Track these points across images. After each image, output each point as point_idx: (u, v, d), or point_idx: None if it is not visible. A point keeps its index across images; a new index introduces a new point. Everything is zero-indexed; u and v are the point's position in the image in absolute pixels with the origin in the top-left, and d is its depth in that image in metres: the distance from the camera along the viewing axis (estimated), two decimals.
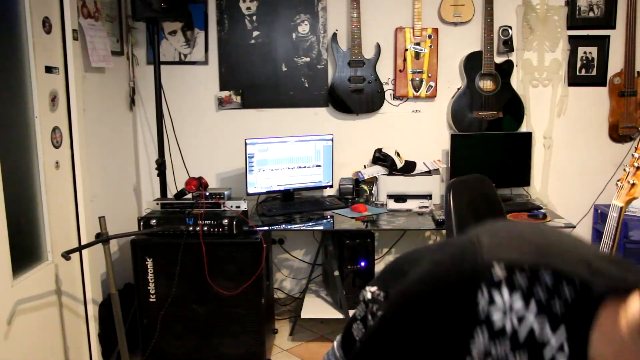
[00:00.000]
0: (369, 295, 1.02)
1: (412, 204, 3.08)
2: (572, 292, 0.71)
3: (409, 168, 3.24)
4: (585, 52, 3.31)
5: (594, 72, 3.32)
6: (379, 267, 3.48)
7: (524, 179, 3.28)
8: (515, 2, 3.27)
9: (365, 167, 3.34)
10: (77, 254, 2.61)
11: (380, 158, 3.26)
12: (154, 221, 2.64)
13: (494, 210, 2.57)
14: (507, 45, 3.26)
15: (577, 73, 3.33)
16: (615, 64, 3.30)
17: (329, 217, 2.96)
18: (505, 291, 0.71)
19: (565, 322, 0.70)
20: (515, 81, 3.31)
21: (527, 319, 0.71)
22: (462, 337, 0.74)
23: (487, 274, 0.72)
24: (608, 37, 3.29)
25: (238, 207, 2.74)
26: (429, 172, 3.23)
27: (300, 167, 3.13)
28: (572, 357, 0.70)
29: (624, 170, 1.58)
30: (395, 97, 3.34)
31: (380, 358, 0.83)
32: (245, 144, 2.97)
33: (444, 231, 3.45)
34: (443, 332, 0.75)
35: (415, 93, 3.30)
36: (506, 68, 3.27)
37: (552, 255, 0.79)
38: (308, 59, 3.31)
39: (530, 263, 0.74)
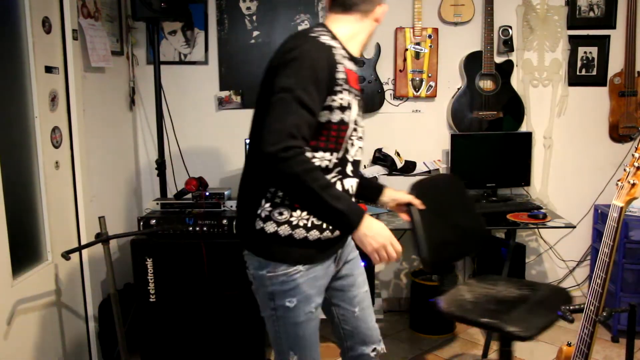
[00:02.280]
0: None
1: None
2: (322, 27, 1.63)
3: (409, 168, 3.24)
4: (585, 52, 3.31)
5: (594, 72, 3.32)
6: (378, 267, 3.48)
7: (524, 179, 3.28)
8: (515, 2, 3.27)
9: (365, 167, 3.34)
10: (77, 254, 2.61)
11: (380, 158, 3.26)
12: (154, 221, 2.64)
13: (465, 209, 2.54)
14: (507, 45, 3.26)
15: (577, 73, 3.33)
16: (616, 64, 3.30)
17: None
18: None
19: None
20: (515, 81, 3.31)
21: None
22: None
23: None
24: (608, 37, 3.29)
25: None
26: (429, 172, 3.23)
27: None
28: None
29: (624, 170, 1.57)
30: (395, 97, 3.34)
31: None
32: (245, 144, 2.97)
33: None
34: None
35: (415, 93, 3.30)
36: (506, 68, 3.27)
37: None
38: None
39: None
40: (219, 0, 3.26)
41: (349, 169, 1.63)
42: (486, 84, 3.26)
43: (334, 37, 1.58)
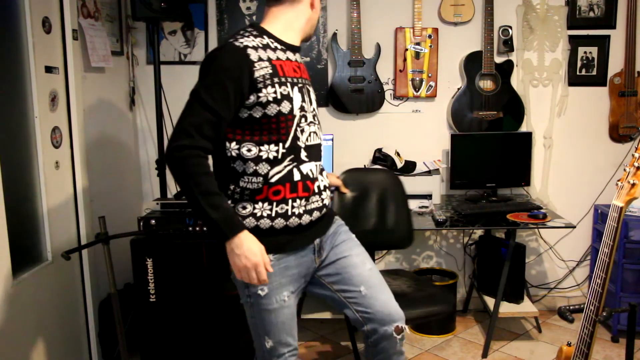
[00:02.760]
0: None
1: (412, 204, 3.06)
2: (250, 28, 1.67)
3: (409, 168, 3.24)
4: (585, 52, 3.31)
5: (594, 72, 3.32)
6: (379, 267, 3.48)
7: (524, 179, 3.28)
8: (515, 2, 3.27)
9: (365, 167, 3.34)
10: (77, 254, 2.61)
11: (380, 158, 3.26)
12: (154, 221, 2.64)
13: (396, 206, 2.67)
14: (507, 45, 3.26)
15: (577, 73, 3.33)
16: (616, 63, 3.30)
17: None
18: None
19: None
20: (515, 81, 3.31)
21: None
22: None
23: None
24: (608, 37, 3.29)
25: None
26: (429, 172, 3.23)
27: None
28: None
29: (624, 170, 1.58)
30: (395, 97, 3.34)
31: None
32: None
33: (444, 231, 3.45)
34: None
35: (415, 93, 3.30)
36: (506, 68, 3.27)
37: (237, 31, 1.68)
38: (308, 59, 3.31)
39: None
40: (219, 0, 3.26)
41: (303, 154, 1.69)
42: (486, 84, 3.26)
43: (261, 34, 1.66)
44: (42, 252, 2.40)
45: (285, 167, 1.66)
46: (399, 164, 3.24)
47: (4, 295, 2.07)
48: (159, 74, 3.00)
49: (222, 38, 3.28)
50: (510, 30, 3.26)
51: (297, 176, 1.67)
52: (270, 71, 1.60)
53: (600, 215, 3.34)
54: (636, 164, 1.54)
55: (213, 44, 3.30)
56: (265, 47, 1.64)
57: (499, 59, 3.28)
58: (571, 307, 2.06)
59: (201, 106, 1.56)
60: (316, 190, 1.73)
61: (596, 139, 3.39)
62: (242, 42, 1.60)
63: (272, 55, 1.63)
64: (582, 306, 1.72)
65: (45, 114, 2.39)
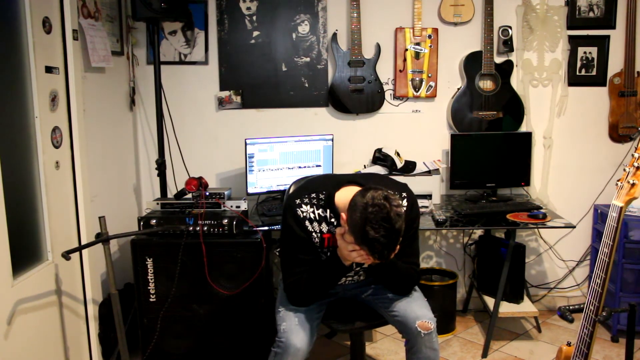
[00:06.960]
0: None
1: None
2: (324, 195, 2.08)
3: (409, 168, 3.24)
4: (585, 52, 3.31)
5: (594, 72, 3.32)
6: None
7: (524, 179, 3.28)
8: (515, 2, 3.27)
9: (365, 167, 3.34)
10: (77, 254, 2.61)
11: (380, 158, 3.26)
12: (154, 221, 2.64)
13: None
14: (507, 45, 3.26)
15: (577, 73, 3.33)
16: (615, 64, 3.30)
17: None
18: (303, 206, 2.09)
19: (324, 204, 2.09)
20: (515, 81, 3.31)
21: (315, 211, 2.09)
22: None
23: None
24: (608, 37, 3.29)
25: (238, 207, 2.74)
26: (429, 172, 3.23)
27: (300, 167, 3.13)
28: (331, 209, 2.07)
29: (624, 170, 1.58)
30: (395, 97, 3.34)
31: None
32: (245, 144, 2.97)
33: (444, 231, 3.46)
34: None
35: (415, 93, 3.30)
36: (506, 68, 3.27)
37: (317, 186, 2.13)
38: (308, 59, 3.31)
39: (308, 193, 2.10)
40: (219, 0, 3.26)
41: None
42: (486, 84, 3.26)
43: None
44: (42, 252, 2.40)
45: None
46: (399, 164, 3.24)
47: (4, 295, 2.07)
48: (159, 74, 3.00)
49: (222, 38, 3.28)
50: (510, 30, 3.26)
51: None
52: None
53: (600, 215, 3.34)
54: (636, 164, 1.54)
55: (213, 44, 3.30)
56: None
57: (498, 59, 3.28)
58: (571, 307, 2.06)
59: None
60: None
61: (596, 139, 3.39)
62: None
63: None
64: (582, 306, 1.72)
65: (46, 114, 2.39)
